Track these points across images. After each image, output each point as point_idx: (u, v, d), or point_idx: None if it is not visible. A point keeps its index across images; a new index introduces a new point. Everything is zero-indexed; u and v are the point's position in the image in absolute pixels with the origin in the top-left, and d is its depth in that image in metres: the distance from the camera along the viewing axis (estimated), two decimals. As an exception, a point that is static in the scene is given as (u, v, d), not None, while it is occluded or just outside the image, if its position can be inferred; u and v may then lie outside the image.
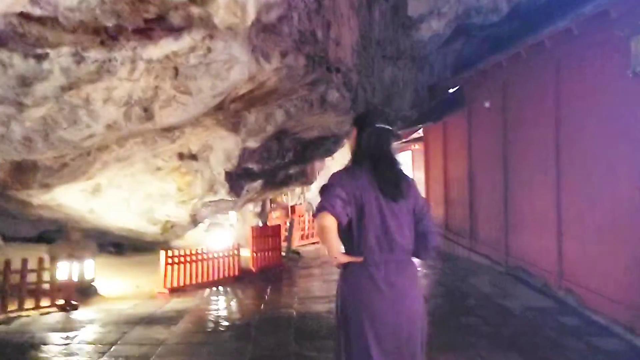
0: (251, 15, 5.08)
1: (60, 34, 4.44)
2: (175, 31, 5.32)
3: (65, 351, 5.13)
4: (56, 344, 5.33)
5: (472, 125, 11.10)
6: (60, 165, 7.52)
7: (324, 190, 2.72)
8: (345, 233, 2.69)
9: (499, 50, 9.26)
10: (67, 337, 5.57)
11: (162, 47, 5.59)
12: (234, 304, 7.74)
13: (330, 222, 2.53)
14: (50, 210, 9.68)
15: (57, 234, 10.93)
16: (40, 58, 4.76)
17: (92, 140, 6.55)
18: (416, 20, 9.51)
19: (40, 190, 8.17)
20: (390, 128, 3.03)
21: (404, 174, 2.91)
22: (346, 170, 2.86)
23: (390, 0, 9.06)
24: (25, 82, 4.91)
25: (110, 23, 4.52)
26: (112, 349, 5.13)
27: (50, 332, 5.83)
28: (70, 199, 9.19)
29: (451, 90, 12.17)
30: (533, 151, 8.01)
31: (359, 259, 2.63)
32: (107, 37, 4.86)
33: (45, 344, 5.33)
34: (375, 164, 2.80)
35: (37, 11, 4.05)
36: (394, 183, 2.75)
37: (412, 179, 3.02)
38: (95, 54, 5.03)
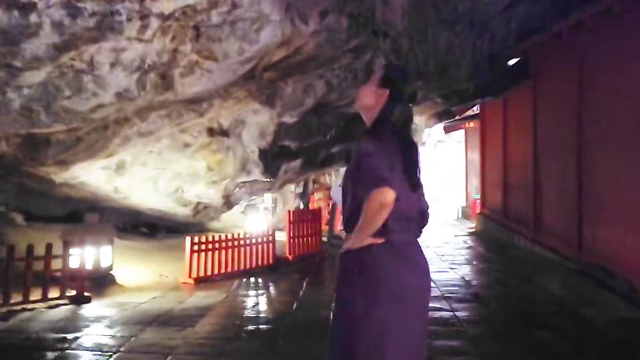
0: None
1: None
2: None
3: (56, 359, 4.36)
4: (49, 349, 4.55)
5: (539, 100, 9.83)
6: (75, 140, 6.77)
7: (364, 160, 2.34)
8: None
9: (570, 14, 8.00)
10: (65, 340, 4.79)
11: (176, 0, 4.67)
12: (263, 301, 6.86)
13: (392, 198, 2.24)
14: (73, 188, 9.03)
15: (90, 212, 10.37)
16: (25, 9, 3.91)
17: (104, 112, 5.74)
18: (473, -24, 8.31)
19: (56, 167, 7.46)
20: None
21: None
22: (379, 142, 2.42)
23: (449, -47, 7.89)
24: (10, 40, 4.10)
25: (102, -38, 3.58)
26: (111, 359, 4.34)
27: (48, 333, 5.06)
28: (92, 177, 8.49)
29: (514, 61, 10.91)
30: (621, 129, 6.75)
31: (380, 240, 2.36)
32: (104, -18, 3.94)
33: (36, 349, 4.56)
34: (402, 145, 2.46)
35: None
36: (416, 171, 2.48)
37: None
38: (92, 5, 4.18)
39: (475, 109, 15.53)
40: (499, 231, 12.48)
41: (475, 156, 15.95)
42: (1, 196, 9.03)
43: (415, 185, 2.46)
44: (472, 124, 16.41)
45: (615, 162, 6.92)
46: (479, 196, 15.44)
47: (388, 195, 2.25)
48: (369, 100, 2.53)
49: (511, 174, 11.91)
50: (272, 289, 7.69)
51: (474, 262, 9.78)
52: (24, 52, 4.23)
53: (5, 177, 8.76)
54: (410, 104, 2.58)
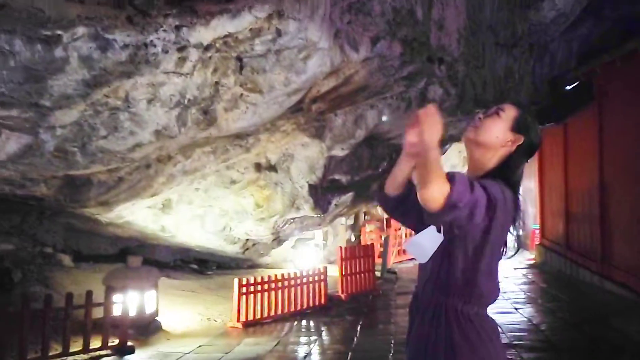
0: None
1: (62, 5, 3.26)
2: (229, 3, 4.04)
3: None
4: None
5: (605, 124, 9.12)
6: (116, 180, 6.53)
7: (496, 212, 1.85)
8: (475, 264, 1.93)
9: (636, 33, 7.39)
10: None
11: (215, 28, 4.35)
12: (315, 350, 6.35)
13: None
14: (120, 228, 8.85)
15: (140, 250, 10.20)
16: (50, 43, 3.63)
17: (143, 151, 5.43)
18: (537, -2, 7.81)
19: (100, 208, 7.25)
20: None
21: None
22: (502, 189, 1.91)
23: (506, -27, 7.44)
24: (35, 77, 3.81)
25: (131, -11, 3.27)
26: None
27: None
28: (138, 217, 8.27)
29: (575, 85, 10.26)
30: None
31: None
32: (134, 11, 3.66)
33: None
34: (515, 204, 1.98)
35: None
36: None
37: None
38: (123, 37, 3.86)
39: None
40: (561, 263, 11.65)
41: (533, 184, 15.17)
42: (49, 237, 8.92)
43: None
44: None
45: None
46: (537, 226, 14.63)
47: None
48: (493, 139, 2.02)
49: (574, 202, 11.12)
50: (324, 334, 7.17)
51: (539, 301, 9.02)
52: (52, 90, 3.95)
53: (53, 218, 8.66)
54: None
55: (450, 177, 1.78)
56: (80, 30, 3.53)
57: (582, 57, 9.89)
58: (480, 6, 7.35)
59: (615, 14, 9.40)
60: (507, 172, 2.02)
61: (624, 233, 8.50)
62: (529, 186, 16.31)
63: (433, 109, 1.86)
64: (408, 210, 2.17)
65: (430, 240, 1.92)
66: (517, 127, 2.03)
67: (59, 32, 3.47)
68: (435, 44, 6.79)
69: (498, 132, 2.02)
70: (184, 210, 8.49)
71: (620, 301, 7.99)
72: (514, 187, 2.02)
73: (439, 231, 1.91)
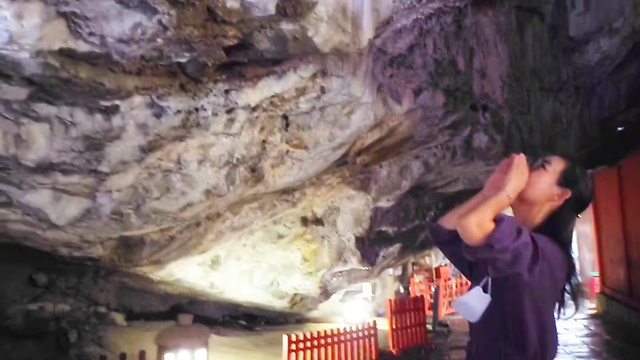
0: (367, 32, 3.76)
1: (121, 78, 3.40)
2: (275, 66, 4.15)
3: None
4: None
5: (663, 164, 8.85)
6: (168, 239, 6.64)
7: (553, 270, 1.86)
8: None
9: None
10: None
11: (262, 90, 4.46)
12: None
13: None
14: (171, 285, 8.95)
15: (189, 306, 10.27)
16: (108, 112, 3.79)
17: (194, 210, 5.53)
18: (580, 41, 7.73)
19: (152, 266, 7.37)
20: None
21: None
22: (552, 242, 1.86)
23: (547, 20, 7.41)
24: (95, 145, 3.96)
25: (182, 58, 3.41)
26: None
27: None
28: (188, 274, 8.35)
29: (625, 126, 10.02)
30: None
31: None
32: (187, 79, 3.79)
33: None
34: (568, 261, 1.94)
35: (81, 46, 3.01)
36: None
37: None
38: (176, 104, 3.99)
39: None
40: (624, 313, 11.06)
41: (588, 228, 14.63)
42: (103, 296, 9.08)
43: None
44: (581, 195, 15.20)
45: None
46: (596, 273, 14.02)
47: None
48: (538, 194, 1.95)
49: (634, 247, 10.65)
50: (378, 392, 6.99)
51: (604, 355, 8.56)
52: (109, 156, 4.11)
53: (107, 277, 8.84)
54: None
55: (499, 218, 1.77)
56: (137, 99, 3.69)
57: (632, 98, 9.69)
58: (522, 53, 7.33)
59: (662, 54, 9.23)
60: (555, 229, 1.93)
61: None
62: (584, 231, 15.76)
63: (524, 160, 1.86)
64: (460, 252, 2.12)
65: (477, 300, 1.87)
66: (564, 180, 1.95)
67: (117, 102, 3.62)
68: (478, 92, 6.78)
69: (544, 187, 1.95)
70: (232, 266, 8.54)
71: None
72: (565, 244, 1.94)
73: (485, 291, 1.88)
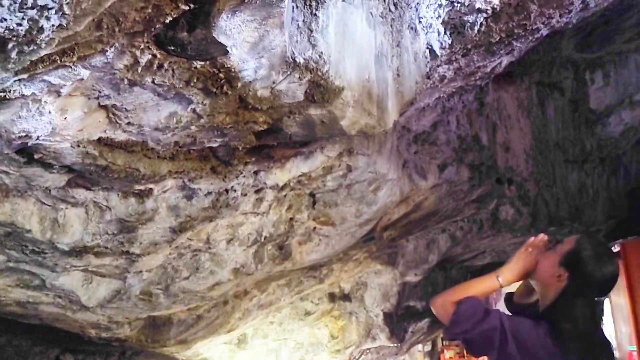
0: (392, 114, 3.85)
1: (156, 164, 3.51)
2: (302, 147, 4.25)
3: None
4: None
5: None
6: (195, 318, 6.61)
7: None
8: None
9: None
10: None
11: (290, 170, 4.56)
12: None
13: None
14: (196, 365, 8.82)
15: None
16: (142, 196, 3.89)
17: (221, 289, 5.55)
18: (602, 114, 7.80)
19: (178, 346, 7.29)
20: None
21: None
22: (532, 328, 1.90)
23: (568, 94, 7.51)
24: (127, 228, 4.04)
25: (214, 143, 3.52)
26: None
27: None
28: (214, 354, 8.23)
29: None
30: None
31: None
32: (218, 162, 3.89)
33: None
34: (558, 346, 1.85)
35: (119, 135, 3.14)
36: None
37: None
38: (207, 186, 4.09)
39: (615, 248, 14.15)
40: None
41: (623, 300, 14.18)
42: (128, 376, 8.97)
43: None
44: (614, 266, 14.85)
45: None
46: (634, 347, 13.45)
47: None
48: (543, 274, 2.00)
49: (673, 319, 10.28)
50: None
51: None
52: (141, 238, 4.18)
53: (132, 358, 8.76)
54: (601, 297, 2.00)
55: (460, 301, 1.90)
56: (169, 183, 3.79)
57: (658, 166, 9.64)
58: (544, 126, 7.41)
59: (685, 123, 9.23)
60: (557, 310, 1.93)
61: None
62: (619, 303, 15.26)
63: (540, 241, 1.88)
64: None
65: None
66: (565, 261, 1.97)
67: (150, 186, 3.73)
68: (502, 165, 6.82)
69: (548, 267, 1.99)
70: (259, 345, 8.42)
71: None
72: (564, 331, 1.90)
73: None
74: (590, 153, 8.01)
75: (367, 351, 9.29)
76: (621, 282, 13.80)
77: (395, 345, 9.25)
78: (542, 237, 1.93)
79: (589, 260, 1.97)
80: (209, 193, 4.14)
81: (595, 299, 1.94)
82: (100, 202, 3.80)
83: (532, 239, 1.93)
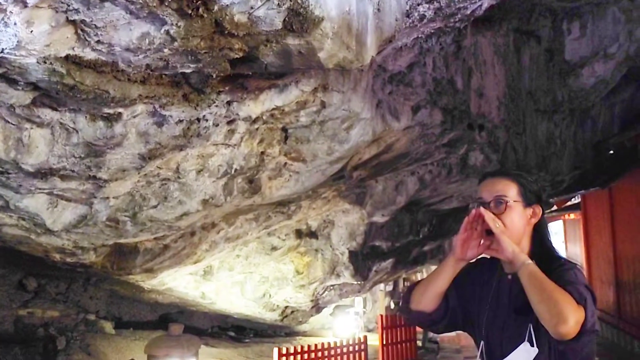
0: (370, 50, 3.80)
1: (126, 86, 3.41)
2: (277, 79, 4.18)
3: None
4: None
5: (654, 189, 8.91)
6: (162, 248, 6.63)
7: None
8: None
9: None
10: None
11: (264, 102, 4.49)
12: None
13: None
14: (162, 294, 8.90)
15: (178, 316, 10.22)
16: (111, 120, 3.80)
17: (189, 219, 5.53)
18: (576, 65, 7.83)
19: (144, 275, 7.32)
20: None
21: None
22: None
23: (544, 43, 7.50)
24: (95, 152, 3.96)
25: (187, 69, 3.43)
26: None
27: None
28: (179, 284, 8.31)
29: (619, 149, 10.11)
30: None
31: None
32: (190, 89, 3.81)
33: None
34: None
35: (88, 53, 3.03)
36: None
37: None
38: (178, 113, 4.01)
39: (576, 199, 14.53)
40: (613, 335, 11.12)
41: (578, 249, 14.72)
42: (93, 303, 9.02)
43: None
44: (572, 215, 15.29)
45: None
46: (586, 294, 14.00)
47: None
48: (517, 224, 1.96)
49: (625, 270, 10.71)
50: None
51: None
52: (109, 163, 4.11)
53: (97, 284, 8.78)
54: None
55: (579, 298, 1.71)
56: (140, 107, 3.70)
57: (625, 122, 9.79)
58: (518, 74, 7.42)
59: (656, 79, 9.35)
60: (544, 241, 1.99)
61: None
62: (574, 251, 15.83)
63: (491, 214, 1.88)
64: (453, 320, 2.12)
65: (526, 355, 1.86)
66: (528, 199, 2.01)
67: (120, 110, 3.64)
68: (475, 111, 6.84)
69: (516, 215, 1.96)
70: (225, 277, 8.51)
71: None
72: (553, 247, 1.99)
73: (532, 345, 1.85)
74: (560, 104, 8.08)
75: (331, 288, 9.47)
76: (577, 232, 14.32)
77: (359, 283, 9.44)
78: (483, 210, 1.91)
79: (532, 182, 2.06)
80: (180, 121, 4.06)
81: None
82: (67, 123, 3.70)
83: (481, 214, 1.89)
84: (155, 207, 5.00)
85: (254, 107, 4.41)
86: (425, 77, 5.86)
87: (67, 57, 3.01)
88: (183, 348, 6.70)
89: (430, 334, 12.50)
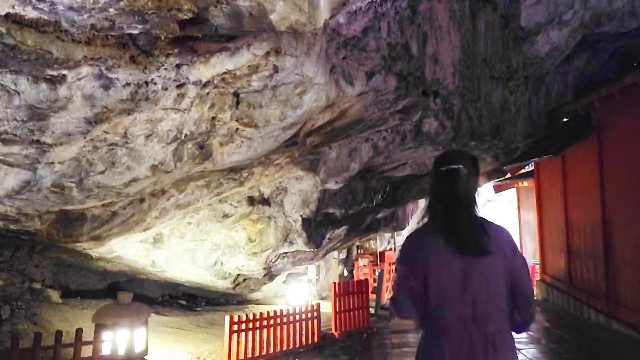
0: (323, 13, 3.67)
1: (70, 47, 3.20)
2: (228, 42, 4.01)
3: None
4: None
5: (606, 157, 9.04)
6: (110, 215, 6.42)
7: (396, 264, 2.59)
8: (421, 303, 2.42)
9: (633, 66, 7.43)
10: None
11: (215, 66, 4.30)
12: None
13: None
14: (110, 262, 8.69)
15: (128, 285, 10.02)
16: (54, 82, 3.57)
17: (138, 186, 5.35)
18: (531, 32, 7.85)
19: (92, 242, 7.10)
20: (460, 167, 2.49)
21: (486, 222, 2.44)
22: (419, 231, 2.53)
23: (499, 9, 7.48)
24: (38, 115, 3.73)
25: (134, 30, 3.23)
26: None
27: None
28: (129, 251, 8.12)
29: (572, 117, 10.25)
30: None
31: None
32: (138, 51, 3.61)
33: None
34: (446, 213, 2.41)
35: (29, 12, 2.81)
36: (468, 235, 2.33)
37: (505, 230, 2.49)
38: (125, 76, 3.80)
39: (529, 167, 14.75)
40: (564, 301, 11.37)
41: (531, 217, 14.95)
42: (39, 272, 8.73)
43: (472, 251, 2.50)
44: (525, 183, 15.56)
45: None
46: (537, 261, 14.37)
47: (399, 316, 2.59)
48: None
49: (575, 237, 10.85)
50: (319, 375, 6.99)
51: (543, 341, 8.75)
52: (54, 127, 3.89)
53: (43, 252, 8.49)
54: (449, 167, 2.60)
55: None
56: (85, 70, 3.49)
57: (579, 89, 9.90)
58: (474, 40, 7.40)
59: (610, 47, 9.48)
60: (430, 202, 2.53)
61: (632, 270, 8.25)
62: (527, 219, 16.14)
63: None
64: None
65: None
66: (475, 169, 2.51)
67: (64, 72, 3.41)
68: (430, 77, 6.80)
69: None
70: (175, 245, 8.36)
71: (630, 343, 7.80)
72: (442, 208, 2.47)
73: None
74: (515, 71, 8.13)
75: (284, 255, 9.42)
76: (530, 200, 14.56)
77: (312, 250, 9.43)
78: None
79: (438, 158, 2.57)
80: (128, 84, 3.86)
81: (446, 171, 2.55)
82: (7, 85, 3.46)
83: None
84: (102, 172, 4.80)
85: (204, 70, 4.23)
86: (379, 42, 5.76)
87: (7, 15, 2.81)
88: (132, 317, 6.55)
89: (383, 302, 12.67)
